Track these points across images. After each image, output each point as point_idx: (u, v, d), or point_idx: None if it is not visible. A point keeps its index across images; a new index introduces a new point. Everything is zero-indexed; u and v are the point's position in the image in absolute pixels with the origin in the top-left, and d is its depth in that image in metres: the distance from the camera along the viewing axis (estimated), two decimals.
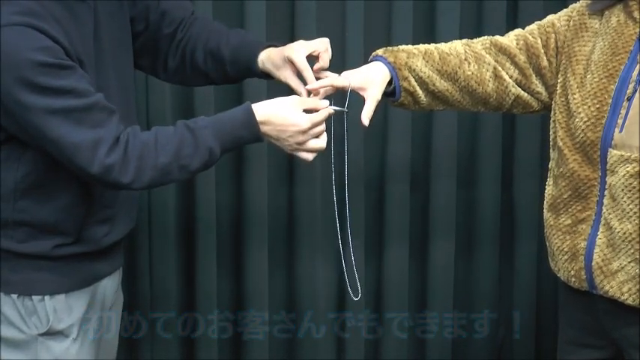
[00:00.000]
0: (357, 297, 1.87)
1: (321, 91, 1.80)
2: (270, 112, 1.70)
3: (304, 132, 1.70)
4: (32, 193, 1.65)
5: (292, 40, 2.50)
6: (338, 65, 2.41)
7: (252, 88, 2.46)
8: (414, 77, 1.83)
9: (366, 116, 1.79)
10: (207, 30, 1.90)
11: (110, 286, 1.84)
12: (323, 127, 1.74)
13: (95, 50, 1.66)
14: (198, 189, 2.53)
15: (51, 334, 1.69)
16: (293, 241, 2.65)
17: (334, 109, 1.77)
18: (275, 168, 2.58)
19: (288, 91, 2.50)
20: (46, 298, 1.69)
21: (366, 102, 1.80)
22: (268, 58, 1.86)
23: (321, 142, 1.73)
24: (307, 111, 1.73)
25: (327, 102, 1.76)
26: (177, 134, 1.65)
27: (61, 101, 1.53)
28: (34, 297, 1.68)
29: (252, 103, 1.72)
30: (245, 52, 1.88)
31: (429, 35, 2.60)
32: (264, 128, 1.70)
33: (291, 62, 1.83)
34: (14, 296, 1.67)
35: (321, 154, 1.78)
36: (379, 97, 1.82)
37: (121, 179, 1.60)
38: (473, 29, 2.63)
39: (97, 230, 1.74)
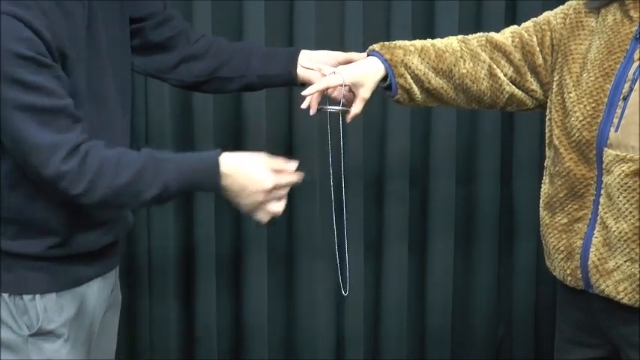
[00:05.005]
0: (345, 293, 1.87)
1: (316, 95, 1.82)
2: (236, 165, 1.64)
3: (267, 192, 1.65)
4: (20, 190, 1.62)
5: (291, 39, 2.51)
6: None
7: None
8: (409, 74, 1.84)
9: (351, 117, 1.83)
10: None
11: (104, 286, 1.81)
12: (285, 191, 1.68)
13: (88, 49, 1.65)
14: (195, 202, 2.51)
15: (41, 334, 1.67)
16: (292, 246, 2.64)
17: (332, 109, 1.77)
18: None
19: (285, 90, 2.50)
20: (37, 297, 1.66)
21: (355, 102, 1.83)
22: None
23: (279, 207, 1.68)
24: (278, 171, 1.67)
25: (295, 164, 1.70)
26: (140, 159, 1.60)
27: (29, 97, 1.51)
28: (24, 296, 1.66)
29: (224, 151, 1.66)
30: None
31: (428, 35, 2.59)
32: (226, 181, 1.64)
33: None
34: (5, 295, 1.65)
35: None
36: (368, 96, 1.83)
37: (70, 189, 1.55)
38: (471, 29, 2.61)
39: (89, 233, 1.71)
